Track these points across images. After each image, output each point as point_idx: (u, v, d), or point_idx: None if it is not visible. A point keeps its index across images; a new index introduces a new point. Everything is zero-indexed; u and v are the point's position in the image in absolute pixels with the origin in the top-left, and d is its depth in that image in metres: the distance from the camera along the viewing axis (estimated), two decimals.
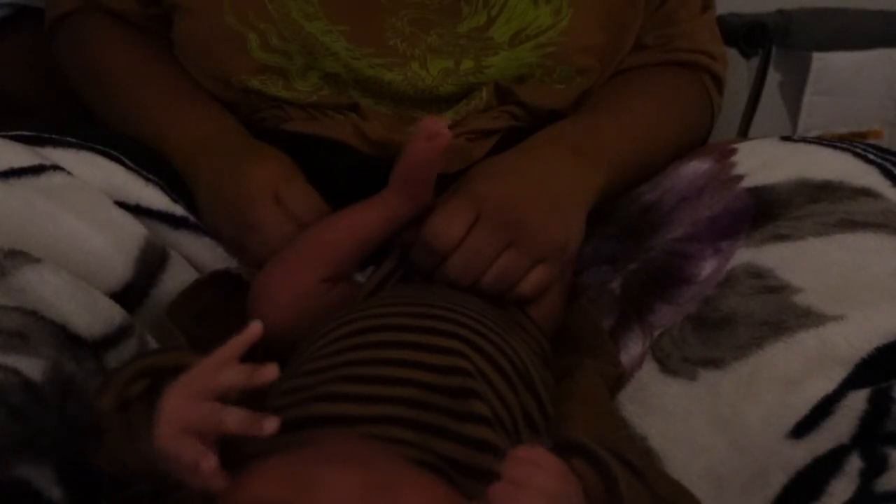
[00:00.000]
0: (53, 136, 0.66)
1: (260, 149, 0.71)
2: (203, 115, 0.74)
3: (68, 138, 0.66)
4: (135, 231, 0.63)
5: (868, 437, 0.54)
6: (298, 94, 0.73)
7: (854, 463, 0.53)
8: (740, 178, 0.70)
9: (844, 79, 1.27)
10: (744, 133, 1.30)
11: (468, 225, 0.63)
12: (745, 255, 0.64)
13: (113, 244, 0.61)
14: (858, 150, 0.68)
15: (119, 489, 0.49)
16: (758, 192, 0.68)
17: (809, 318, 0.58)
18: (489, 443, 0.49)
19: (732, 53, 1.19)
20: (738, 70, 1.23)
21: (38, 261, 0.56)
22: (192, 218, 0.68)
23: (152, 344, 0.61)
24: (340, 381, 0.51)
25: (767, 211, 0.66)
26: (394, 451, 0.46)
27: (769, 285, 0.61)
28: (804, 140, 0.73)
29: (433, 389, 0.50)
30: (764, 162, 0.70)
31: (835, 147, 0.69)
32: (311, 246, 0.63)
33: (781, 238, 0.64)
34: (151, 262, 0.64)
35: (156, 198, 0.67)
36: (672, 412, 0.61)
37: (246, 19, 0.71)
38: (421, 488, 0.43)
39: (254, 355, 0.48)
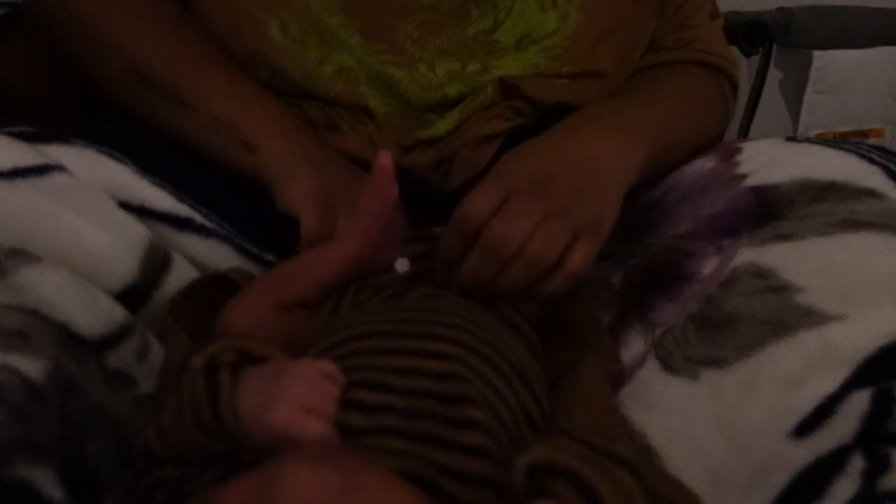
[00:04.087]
0: (57, 134, 0.66)
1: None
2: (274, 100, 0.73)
3: (73, 137, 0.66)
4: (139, 232, 0.63)
5: (870, 438, 0.54)
6: (316, 85, 0.73)
7: (856, 463, 0.53)
8: (744, 176, 0.70)
9: (845, 77, 1.27)
10: (744, 131, 1.29)
11: (498, 201, 0.60)
12: (747, 254, 0.64)
13: (116, 245, 0.61)
14: (863, 151, 0.68)
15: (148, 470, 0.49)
16: (761, 191, 0.68)
17: (811, 317, 0.58)
18: (483, 448, 0.48)
19: (733, 52, 1.19)
20: (738, 69, 1.22)
21: (38, 260, 0.56)
22: (196, 219, 0.68)
23: (154, 344, 0.61)
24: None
25: (770, 210, 0.66)
26: (374, 459, 0.46)
27: (771, 285, 0.61)
28: (808, 140, 0.73)
29: (427, 396, 0.50)
30: (768, 161, 0.70)
31: (839, 148, 0.69)
32: (268, 279, 0.64)
33: (784, 237, 0.64)
34: (155, 264, 0.63)
35: (160, 199, 0.66)
36: (673, 410, 0.61)
37: (267, 7, 0.72)
38: (384, 486, 0.43)
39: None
